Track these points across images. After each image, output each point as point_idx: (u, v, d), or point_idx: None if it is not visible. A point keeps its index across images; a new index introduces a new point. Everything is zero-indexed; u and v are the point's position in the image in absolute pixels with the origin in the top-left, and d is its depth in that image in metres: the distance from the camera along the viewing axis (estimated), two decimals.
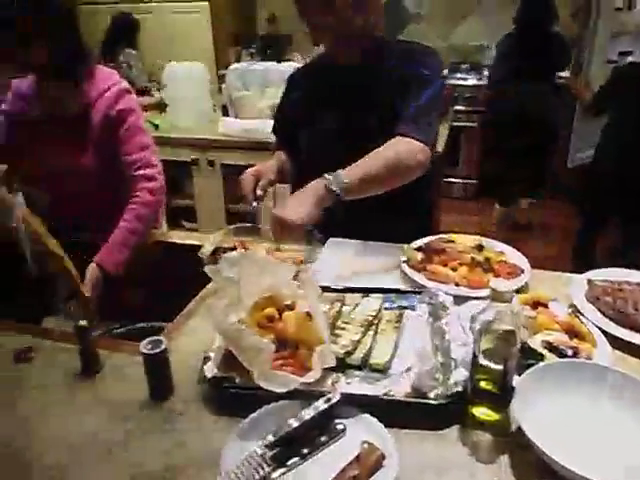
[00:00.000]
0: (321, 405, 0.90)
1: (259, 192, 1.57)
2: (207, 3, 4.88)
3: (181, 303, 1.39)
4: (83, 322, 1.11)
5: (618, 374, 0.97)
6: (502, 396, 0.93)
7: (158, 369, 1.03)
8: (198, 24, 4.91)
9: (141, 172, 1.73)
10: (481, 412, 0.95)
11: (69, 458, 0.93)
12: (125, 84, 1.81)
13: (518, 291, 1.29)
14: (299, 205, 1.30)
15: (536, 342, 1.09)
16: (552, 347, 1.06)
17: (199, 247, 1.51)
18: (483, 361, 0.92)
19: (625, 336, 1.16)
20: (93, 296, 1.52)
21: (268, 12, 5.45)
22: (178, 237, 1.81)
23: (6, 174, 1.75)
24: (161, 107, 3.36)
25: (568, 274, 1.41)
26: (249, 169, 1.62)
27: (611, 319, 1.22)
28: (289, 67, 3.28)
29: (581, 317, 1.19)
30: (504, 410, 0.94)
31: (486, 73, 4.60)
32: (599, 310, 1.25)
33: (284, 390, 0.92)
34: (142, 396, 1.04)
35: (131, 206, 1.71)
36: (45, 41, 1.59)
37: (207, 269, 1.17)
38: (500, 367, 0.91)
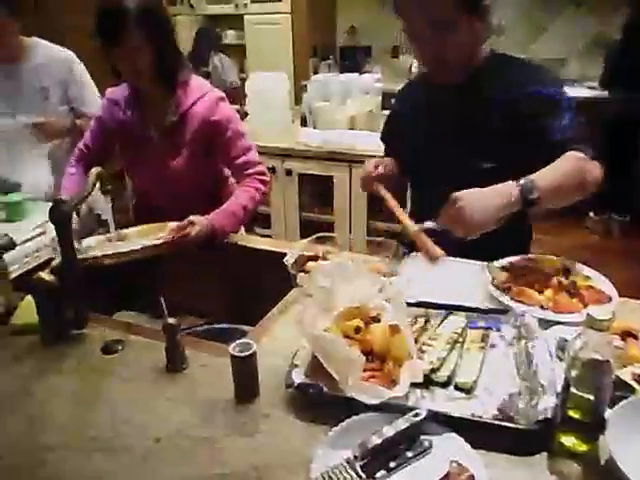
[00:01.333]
0: (409, 420, 0.91)
1: (380, 169, 1.62)
2: (289, 16, 4.97)
3: (260, 307, 1.43)
4: (172, 320, 1.16)
5: None
6: (592, 427, 0.91)
7: (246, 371, 1.06)
8: (279, 36, 5.00)
9: (251, 171, 1.86)
10: (570, 441, 0.93)
11: (155, 451, 0.97)
12: (218, 92, 1.88)
13: None
14: (484, 209, 1.24)
15: (626, 375, 1.05)
16: None
17: (277, 254, 1.54)
18: (575, 389, 0.90)
19: None
20: (191, 241, 1.63)
21: (348, 24, 5.50)
22: (258, 243, 1.85)
23: (98, 176, 1.85)
24: (242, 116, 3.44)
25: None
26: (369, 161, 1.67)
27: None
28: (370, 79, 3.31)
29: None
30: (593, 441, 0.92)
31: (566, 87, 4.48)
32: None
33: (375, 402, 0.94)
34: (227, 396, 1.08)
35: (245, 188, 1.84)
36: (149, 53, 1.69)
37: (300, 277, 1.20)
38: (592, 397, 0.89)
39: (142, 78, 1.75)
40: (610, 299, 1.31)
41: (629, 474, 0.82)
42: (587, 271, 1.43)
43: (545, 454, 0.94)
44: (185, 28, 5.05)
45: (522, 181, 1.27)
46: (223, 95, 1.89)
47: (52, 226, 1.28)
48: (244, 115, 3.44)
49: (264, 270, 1.70)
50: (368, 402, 0.93)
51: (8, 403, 1.12)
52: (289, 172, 3.13)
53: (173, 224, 1.67)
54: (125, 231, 1.73)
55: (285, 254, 1.50)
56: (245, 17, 5.18)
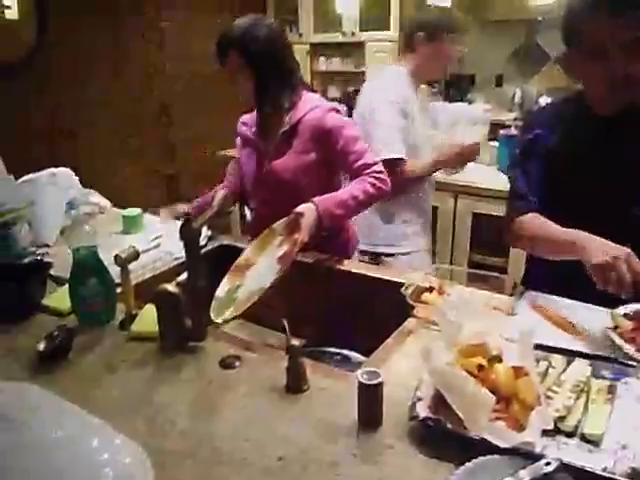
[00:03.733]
0: (541, 468, 0.89)
1: None
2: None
3: (366, 335, 1.45)
4: (295, 341, 1.20)
5: None
6: None
7: (372, 400, 1.08)
8: (384, 61, 5.05)
9: (368, 171, 1.87)
10: None
11: (277, 469, 0.99)
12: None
13: None
14: None
15: None
16: None
17: (392, 283, 1.56)
18: None
19: None
20: (307, 239, 1.65)
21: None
22: (371, 270, 1.87)
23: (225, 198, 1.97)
24: None
25: None
26: None
27: None
28: (479, 108, 3.29)
29: None
30: None
31: None
32: None
33: (507, 445, 0.93)
34: (350, 422, 1.09)
35: (359, 181, 1.87)
36: (249, 76, 1.86)
37: (419, 308, 1.21)
38: None
39: (246, 97, 1.91)
40: None
41: None
42: None
43: None
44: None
45: None
46: (335, 106, 1.96)
47: (166, 239, 1.33)
48: None
49: (375, 298, 1.73)
50: (501, 445, 0.93)
51: (128, 405, 1.18)
52: None
53: (279, 224, 1.72)
54: (243, 257, 1.73)
55: (401, 284, 1.53)
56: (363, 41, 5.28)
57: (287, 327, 1.21)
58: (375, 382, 1.05)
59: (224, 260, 1.72)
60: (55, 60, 4.07)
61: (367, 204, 1.89)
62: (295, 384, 1.22)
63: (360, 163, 1.88)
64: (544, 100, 4.59)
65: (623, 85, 1.40)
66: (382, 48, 5.08)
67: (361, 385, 1.07)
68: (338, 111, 1.95)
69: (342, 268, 1.84)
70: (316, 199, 1.76)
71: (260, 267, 1.64)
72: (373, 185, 1.85)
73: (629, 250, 1.26)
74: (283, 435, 1.08)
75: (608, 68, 1.40)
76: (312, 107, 1.91)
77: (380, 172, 1.89)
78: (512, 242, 1.71)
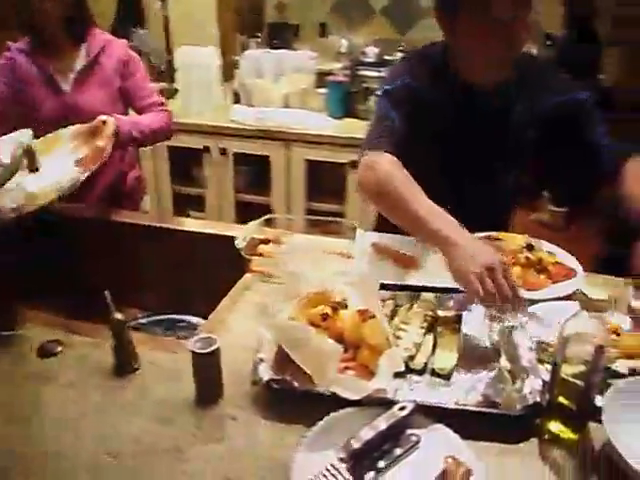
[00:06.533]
0: (395, 415, 0.83)
1: None
2: None
3: (206, 296, 1.29)
4: (119, 315, 1.03)
5: None
6: (582, 414, 0.86)
7: (209, 370, 0.95)
8: (204, 8, 4.75)
9: (160, 108, 1.92)
10: (558, 428, 0.88)
11: (111, 469, 0.85)
12: (123, 40, 1.95)
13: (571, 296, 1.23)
14: None
15: (622, 367, 0.99)
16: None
17: (223, 237, 1.43)
18: (564, 375, 0.85)
19: None
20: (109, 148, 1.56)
21: (277, 0, 5.33)
22: (200, 226, 1.70)
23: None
24: (171, 92, 3.25)
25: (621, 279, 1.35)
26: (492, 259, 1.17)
27: None
28: (304, 56, 3.21)
29: None
30: (582, 429, 0.87)
31: None
32: None
33: (358, 397, 0.85)
34: (188, 398, 0.97)
35: (156, 114, 1.89)
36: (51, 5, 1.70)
37: (256, 261, 1.09)
38: (582, 383, 0.83)
39: (50, 20, 1.74)
40: (576, 274, 1.29)
41: (628, 458, 0.78)
42: (550, 247, 1.40)
43: (535, 440, 0.89)
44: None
45: None
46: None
47: None
48: (174, 92, 3.24)
49: (208, 255, 1.58)
50: (352, 398, 0.84)
51: None
52: (223, 151, 2.96)
53: (69, 129, 1.61)
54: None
55: (233, 238, 1.39)
56: None
57: (109, 299, 1.04)
58: (210, 350, 0.92)
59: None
60: None
61: (155, 139, 1.92)
62: (124, 364, 1.05)
63: (155, 99, 1.92)
64: (370, 50, 4.61)
65: (505, 48, 1.32)
66: None
67: (195, 355, 0.93)
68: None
69: (166, 226, 1.66)
70: (117, 115, 1.68)
71: (50, 167, 1.46)
72: (166, 123, 1.90)
73: (500, 257, 1.10)
74: (115, 424, 0.92)
75: (493, 26, 1.28)
76: (108, 40, 1.88)
77: (169, 113, 1.94)
78: (360, 185, 1.39)
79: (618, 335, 1.04)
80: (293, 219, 1.55)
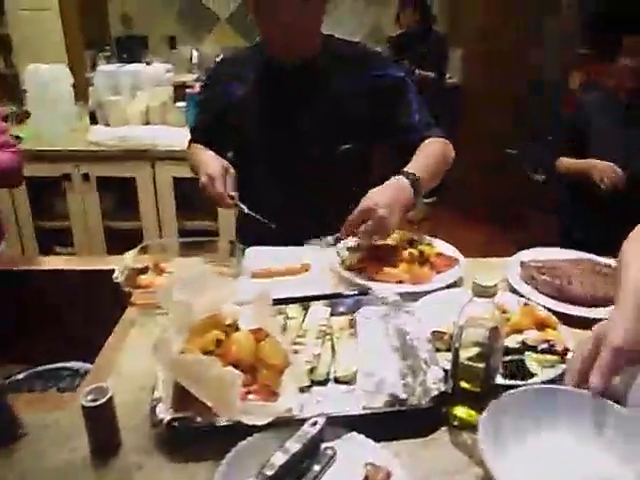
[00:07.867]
0: (308, 431, 0.81)
1: (232, 192, 1.39)
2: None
3: (89, 338, 1.20)
4: None
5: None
6: (484, 395, 0.89)
7: (104, 421, 0.87)
8: (49, 24, 4.42)
9: (10, 150, 1.77)
10: (463, 412, 0.91)
11: None
12: None
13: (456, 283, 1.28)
14: (397, 210, 1.26)
15: (512, 341, 1.05)
16: (529, 346, 1.05)
17: (98, 272, 1.34)
18: (464, 359, 0.87)
19: (569, 310, 1.19)
20: None
21: (121, 12, 5.14)
22: (65, 263, 1.57)
23: None
24: (22, 116, 3.02)
25: (497, 258, 1.43)
26: (213, 168, 1.38)
27: (549, 296, 1.25)
28: (161, 69, 3.12)
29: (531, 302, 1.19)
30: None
31: None
32: (536, 289, 1.27)
33: (267, 421, 0.82)
34: (86, 455, 0.87)
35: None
36: None
37: (137, 294, 1.03)
38: (482, 365, 0.87)
39: None
40: (458, 262, 1.34)
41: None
42: (429, 239, 1.44)
43: (445, 428, 0.91)
44: None
45: (408, 175, 1.31)
46: None
47: None
48: (25, 116, 3.01)
49: (83, 293, 1.48)
50: (260, 423, 0.81)
51: None
52: (86, 177, 2.80)
53: None
54: None
55: (109, 271, 1.30)
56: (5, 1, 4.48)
57: None
58: (103, 400, 0.85)
59: None
60: None
61: (8, 176, 1.80)
62: (6, 433, 0.93)
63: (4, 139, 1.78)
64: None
65: (293, 32, 1.39)
66: None
67: (86, 409, 0.85)
68: None
69: (31, 268, 1.52)
70: None
71: None
72: (18, 162, 1.79)
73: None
74: None
75: (274, 15, 1.37)
76: None
77: (19, 153, 1.82)
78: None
79: (504, 313, 1.10)
80: (169, 243, 1.49)
